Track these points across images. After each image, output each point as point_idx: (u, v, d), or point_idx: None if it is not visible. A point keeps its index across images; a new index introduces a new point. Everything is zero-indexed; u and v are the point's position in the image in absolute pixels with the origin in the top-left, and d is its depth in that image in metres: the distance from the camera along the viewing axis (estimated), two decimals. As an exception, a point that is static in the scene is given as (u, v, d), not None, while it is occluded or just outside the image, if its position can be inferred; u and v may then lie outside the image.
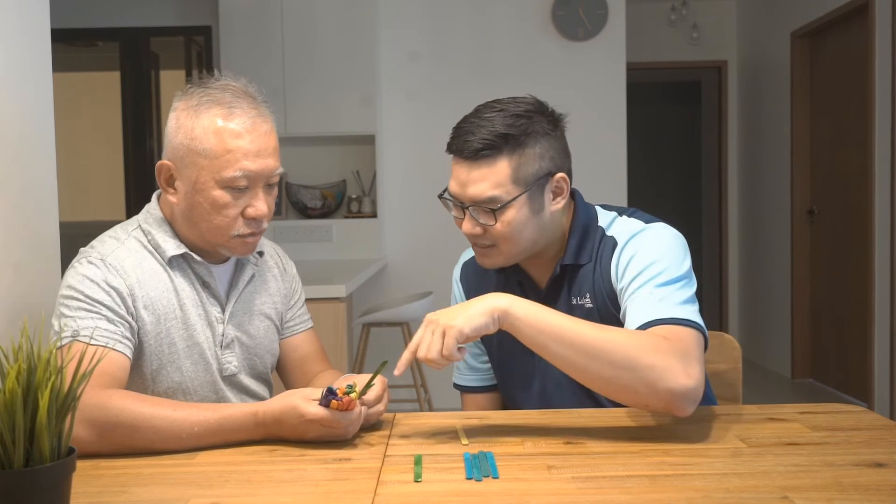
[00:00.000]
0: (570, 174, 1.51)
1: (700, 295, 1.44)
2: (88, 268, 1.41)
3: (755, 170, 5.99)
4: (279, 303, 1.62)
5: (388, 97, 4.77)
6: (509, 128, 1.42)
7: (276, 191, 1.48)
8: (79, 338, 1.34)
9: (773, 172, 5.61)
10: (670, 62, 6.31)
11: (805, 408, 1.46)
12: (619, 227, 1.52)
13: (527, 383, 1.59)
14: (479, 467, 1.16)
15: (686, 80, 6.96)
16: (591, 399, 1.53)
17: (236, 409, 1.30)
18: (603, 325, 1.32)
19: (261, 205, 1.43)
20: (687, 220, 5.99)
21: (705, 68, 6.43)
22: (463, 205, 1.47)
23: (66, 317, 1.37)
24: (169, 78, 5.45)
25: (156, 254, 1.47)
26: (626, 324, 1.38)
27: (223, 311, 1.52)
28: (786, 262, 5.44)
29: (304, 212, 4.70)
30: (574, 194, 1.56)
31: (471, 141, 1.43)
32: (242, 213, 1.43)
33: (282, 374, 1.67)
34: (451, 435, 1.34)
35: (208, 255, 1.50)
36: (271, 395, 1.57)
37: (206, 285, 1.50)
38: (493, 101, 1.48)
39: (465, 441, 1.29)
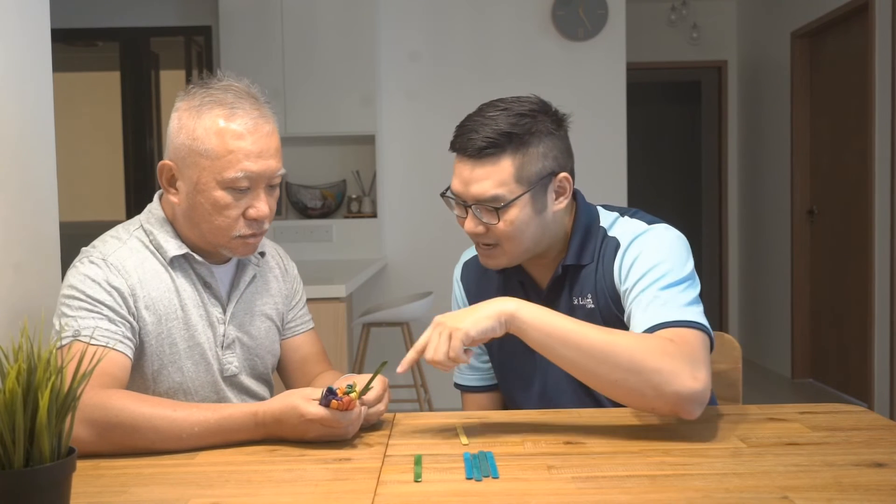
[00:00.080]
0: (573, 174, 1.51)
1: (700, 295, 1.45)
2: (90, 267, 1.41)
3: (755, 170, 5.99)
4: (280, 303, 1.62)
5: (388, 97, 4.77)
6: (513, 126, 1.42)
7: (277, 192, 1.48)
8: (80, 337, 1.34)
9: (773, 172, 5.61)
10: (670, 62, 6.31)
11: (805, 408, 1.46)
12: (621, 227, 1.52)
13: (527, 383, 1.59)
14: (479, 467, 1.16)
15: (686, 80, 6.96)
16: (591, 399, 1.53)
17: (236, 409, 1.30)
18: (609, 329, 1.33)
19: (262, 206, 1.43)
20: (687, 220, 5.99)
21: (705, 68, 6.43)
22: (466, 203, 1.47)
23: (68, 316, 1.37)
24: (169, 78, 5.45)
25: (157, 254, 1.47)
26: (632, 327, 1.38)
27: (224, 311, 1.51)
28: (786, 262, 5.44)
29: (304, 212, 4.70)
30: (576, 195, 1.56)
31: (475, 139, 1.43)
32: (244, 214, 1.43)
33: (282, 375, 1.67)
34: (451, 435, 1.34)
35: (210, 256, 1.50)
36: (272, 396, 1.57)
37: (207, 286, 1.50)
38: (497, 100, 1.48)
39: (465, 441, 1.29)
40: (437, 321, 1.32)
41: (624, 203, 4.65)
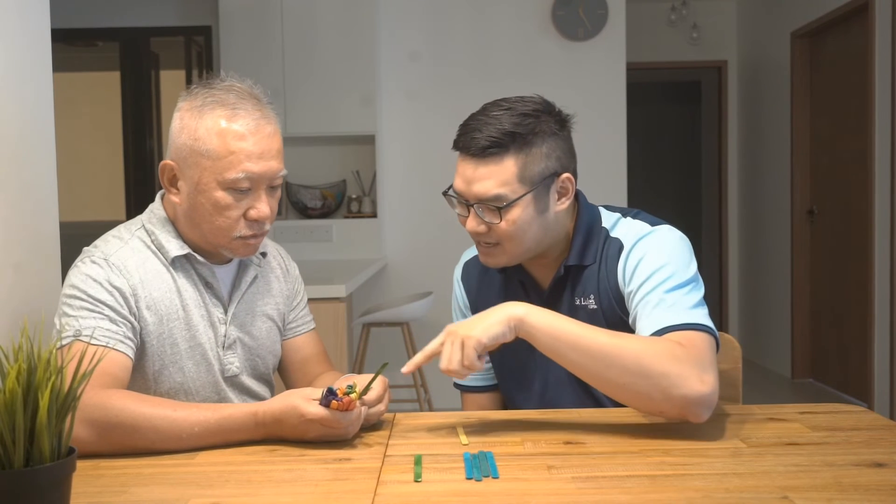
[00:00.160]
0: (575, 175, 1.51)
1: (703, 296, 1.45)
2: (92, 267, 1.41)
3: (755, 170, 5.99)
4: (281, 304, 1.62)
5: (388, 97, 4.77)
6: (517, 126, 1.42)
7: (279, 193, 1.48)
8: (80, 337, 1.34)
9: (773, 172, 5.61)
10: (670, 62, 6.31)
11: (805, 408, 1.46)
12: (624, 228, 1.52)
13: (527, 383, 1.59)
14: (479, 467, 1.16)
15: (686, 80, 6.96)
16: (591, 399, 1.53)
17: (236, 409, 1.30)
18: (618, 332, 1.33)
19: (263, 207, 1.43)
20: (687, 220, 5.99)
21: (705, 68, 6.43)
22: (468, 202, 1.47)
23: (69, 316, 1.37)
24: (169, 78, 5.45)
25: (159, 254, 1.47)
26: (639, 330, 1.39)
27: (226, 311, 1.51)
28: (786, 262, 5.44)
29: (304, 212, 4.70)
30: (578, 195, 1.56)
31: (478, 138, 1.43)
32: (244, 215, 1.42)
33: (283, 375, 1.67)
34: (451, 435, 1.34)
35: (211, 256, 1.50)
36: (273, 396, 1.57)
37: (208, 286, 1.50)
38: (501, 100, 1.48)
39: (465, 441, 1.29)
40: (449, 330, 1.33)
41: (624, 203, 4.65)
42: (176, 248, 1.47)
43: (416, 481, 1.12)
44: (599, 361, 1.29)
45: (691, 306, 1.37)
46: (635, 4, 5.57)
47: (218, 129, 1.38)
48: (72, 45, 5.33)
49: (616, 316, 1.48)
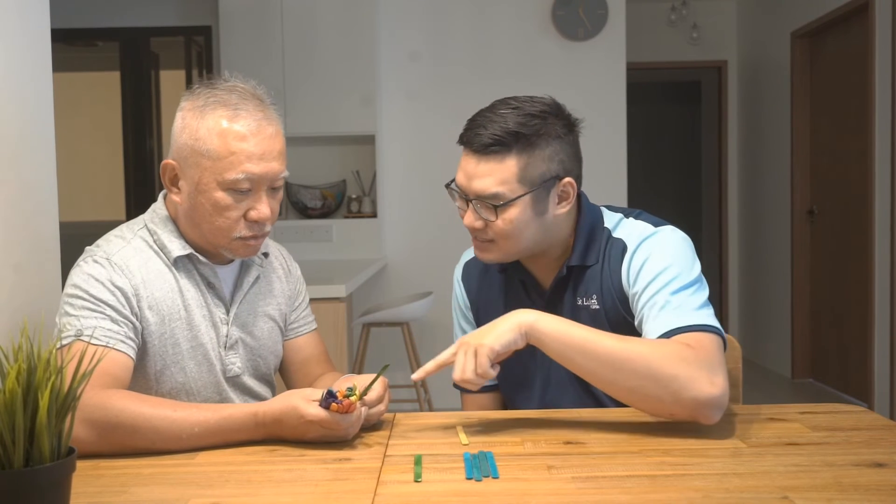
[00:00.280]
0: (579, 180, 1.50)
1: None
2: (94, 267, 1.41)
3: (755, 170, 5.99)
4: (283, 304, 1.62)
5: (388, 97, 4.77)
6: (521, 126, 1.42)
7: (280, 194, 1.47)
8: (82, 337, 1.34)
9: (773, 172, 5.61)
10: (670, 62, 6.31)
11: (805, 408, 1.46)
12: (626, 229, 1.52)
13: (527, 383, 1.59)
14: (479, 467, 1.16)
15: (686, 80, 6.96)
16: (591, 399, 1.53)
17: (236, 410, 1.30)
18: (627, 337, 1.34)
19: (263, 208, 1.42)
20: (687, 220, 5.99)
21: (705, 68, 6.43)
22: (467, 197, 1.47)
23: (70, 315, 1.37)
24: (169, 78, 5.45)
25: (161, 254, 1.47)
26: (646, 332, 1.39)
27: (228, 312, 1.51)
28: (786, 262, 5.44)
29: (304, 212, 4.70)
30: (580, 196, 1.56)
31: (482, 135, 1.43)
32: (244, 216, 1.42)
33: (284, 376, 1.66)
34: (451, 435, 1.34)
35: (213, 256, 1.50)
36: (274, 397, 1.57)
37: (210, 286, 1.50)
38: (511, 98, 1.47)
39: (465, 441, 1.30)
40: (462, 341, 1.34)
41: (624, 203, 4.65)
42: (178, 248, 1.47)
43: (416, 481, 1.12)
44: (609, 366, 1.29)
45: (697, 307, 1.38)
46: (635, 4, 5.57)
47: (219, 129, 1.38)
48: (72, 45, 5.33)
49: (619, 316, 1.48)
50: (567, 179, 1.47)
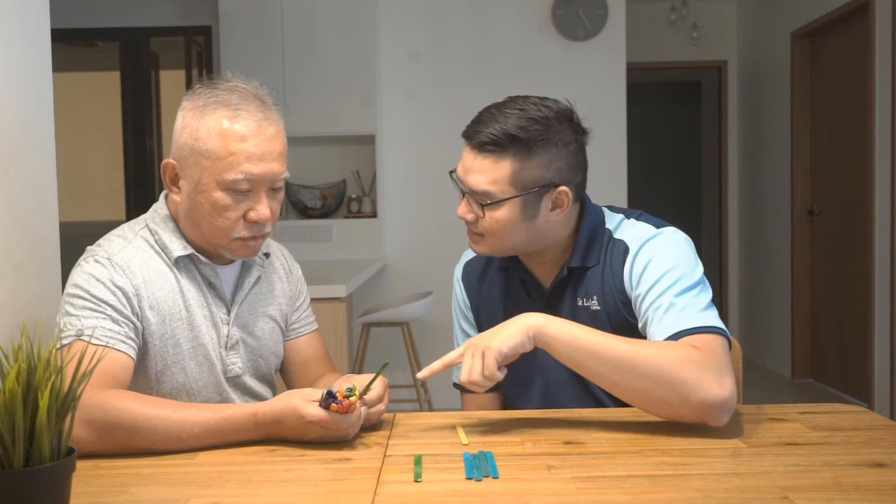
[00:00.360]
0: (578, 188, 1.49)
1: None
2: (95, 266, 1.41)
3: (755, 170, 5.99)
4: (284, 304, 1.62)
5: (388, 97, 4.77)
6: (521, 130, 1.42)
7: (281, 195, 1.47)
8: (82, 337, 1.34)
9: (773, 172, 5.61)
10: (670, 62, 6.31)
11: (805, 408, 1.46)
12: (628, 230, 1.52)
13: (527, 383, 1.59)
14: (479, 467, 1.16)
15: (686, 80, 6.96)
16: (591, 398, 1.53)
17: (236, 410, 1.30)
18: (635, 339, 1.34)
19: (263, 209, 1.42)
20: (687, 220, 5.99)
21: (705, 68, 6.43)
22: (462, 188, 1.48)
23: (71, 315, 1.37)
24: (169, 78, 5.45)
25: (162, 254, 1.47)
26: (652, 335, 1.39)
27: (228, 312, 1.51)
28: (786, 262, 5.44)
29: (304, 212, 4.70)
30: (584, 197, 1.56)
31: (481, 132, 1.44)
32: (244, 217, 1.42)
33: (285, 376, 1.66)
34: (451, 435, 1.34)
35: (214, 257, 1.50)
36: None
37: (211, 286, 1.50)
38: (522, 98, 1.46)
39: (465, 441, 1.30)
40: (469, 342, 1.35)
41: (624, 203, 4.65)
42: (179, 248, 1.46)
43: (416, 481, 1.12)
44: (617, 369, 1.30)
45: (702, 309, 1.38)
46: (635, 4, 5.57)
47: (219, 129, 1.38)
48: (72, 45, 5.33)
49: (621, 317, 1.48)
50: (562, 188, 1.46)
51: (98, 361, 1.09)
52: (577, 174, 1.49)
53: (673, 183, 7.88)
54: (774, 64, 5.57)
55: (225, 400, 1.50)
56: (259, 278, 1.57)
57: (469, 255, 1.70)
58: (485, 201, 1.45)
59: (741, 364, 1.76)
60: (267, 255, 1.60)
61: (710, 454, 1.21)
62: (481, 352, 1.31)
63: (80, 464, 1.06)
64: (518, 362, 1.59)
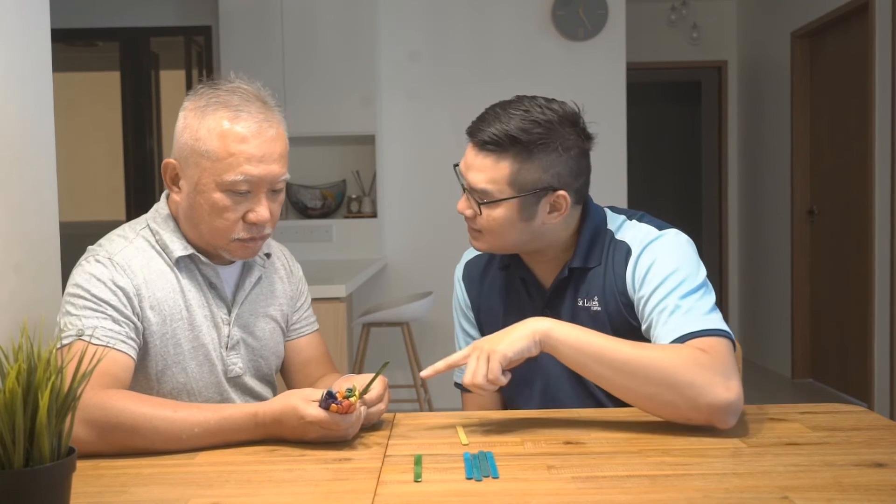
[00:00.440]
0: (578, 193, 1.49)
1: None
2: (96, 266, 1.41)
3: (755, 170, 5.99)
4: (285, 305, 1.61)
5: (388, 97, 4.77)
6: (522, 133, 1.42)
7: (281, 196, 1.47)
8: (83, 337, 1.34)
9: (773, 172, 5.61)
10: (670, 62, 6.31)
11: (805, 408, 1.46)
12: (630, 232, 1.52)
13: (528, 382, 1.59)
14: (479, 467, 1.16)
15: (686, 80, 6.97)
16: (591, 399, 1.53)
17: (236, 410, 1.30)
18: (641, 343, 1.34)
19: (262, 210, 1.42)
20: (687, 220, 5.99)
21: (705, 68, 6.43)
22: (463, 184, 1.49)
23: (72, 315, 1.37)
24: (169, 78, 5.45)
25: (163, 254, 1.47)
26: (657, 338, 1.39)
27: (229, 312, 1.51)
28: (786, 262, 5.44)
29: (304, 212, 4.70)
30: (586, 198, 1.55)
31: (483, 130, 1.44)
32: (243, 218, 1.42)
33: (285, 377, 1.66)
34: (451, 435, 1.34)
35: (215, 257, 1.50)
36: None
37: (212, 286, 1.50)
38: (530, 98, 1.46)
39: (465, 441, 1.29)
40: (475, 345, 1.34)
41: (624, 204, 4.65)
42: (180, 248, 1.46)
43: (416, 481, 1.12)
44: (625, 373, 1.29)
45: (707, 311, 1.38)
46: (635, 4, 5.57)
47: (219, 130, 1.38)
48: (72, 45, 5.33)
49: (622, 319, 1.48)
50: (560, 193, 1.46)
51: (98, 361, 1.09)
52: (578, 179, 1.48)
53: (673, 183, 7.88)
54: (774, 64, 5.57)
55: (225, 400, 1.50)
56: (260, 278, 1.57)
57: (470, 254, 1.70)
58: (482, 199, 1.45)
59: (741, 364, 1.77)
60: (268, 255, 1.60)
61: (710, 454, 1.21)
62: (486, 355, 1.31)
63: (80, 464, 1.06)
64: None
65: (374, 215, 4.68)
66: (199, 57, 5.22)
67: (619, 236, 1.52)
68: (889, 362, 4.33)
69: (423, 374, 1.35)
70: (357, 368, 3.89)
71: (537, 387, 1.58)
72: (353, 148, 4.78)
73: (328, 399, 1.24)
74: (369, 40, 4.58)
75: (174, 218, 1.49)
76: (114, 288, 1.39)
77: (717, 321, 1.37)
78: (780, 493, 1.05)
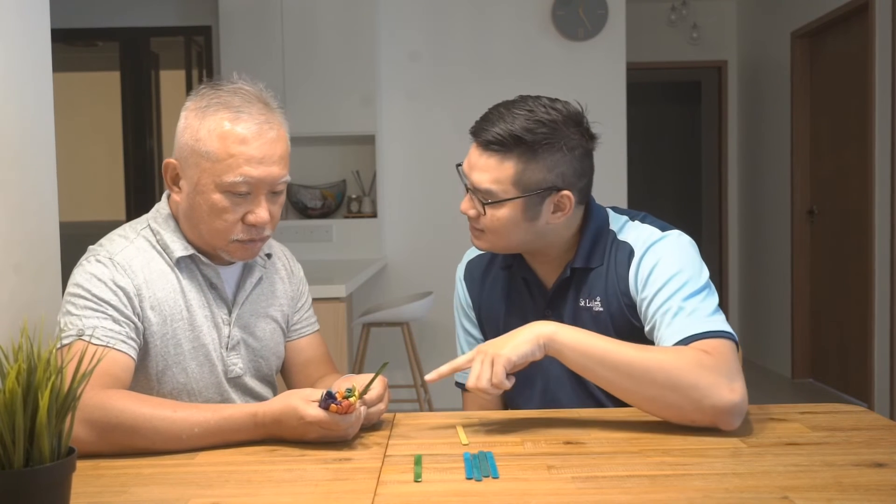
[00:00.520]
0: (582, 193, 1.49)
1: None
2: (96, 266, 1.41)
3: (755, 170, 5.99)
4: (286, 305, 1.61)
5: (388, 97, 4.77)
6: (526, 133, 1.41)
7: (282, 198, 1.47)
8: (83, 336, 1.34)
9: (773, 172, 5.61)
10: (670, 62, 6.31)
11: (805, 408, 1.46)
12: (632, 233, 1.52)
13: (528, 382, 1.59)
14: (479, 467, 1.16)
15: (686, 80, 6.97)
16: (591, 399, 1.53)
17: (236, 410, 1.30)
18: (645, 346, 1.34)
19: (262, 212, 1.42)
20: (687, 220, 5.99)
21: (705, 68, 6.43)
22: (466, 184, 1.49)
23: (72, 315, 1.37)
24: (169, 78, 5.45)
25: (164, 254, 1.47)
26: (661, 339, 1.39)
27: (230, 313, 1.51)
28: (786, 262, 5.44)
29: (304, 212, 4.70)
30: (589, 199, 1.55)
31: (487, 130, 1.44)
32: (242, 219, 1.42)
33: (285, 377, 1.66)
34: (451, 435, 1.34)
35: (215, 257, 1.50)
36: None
37: (213, 287, 1.50)
38: (534, 98, 1.46)
39: (465, 441, 1.30)
40: (479, 349, 1.34)
41: (624, 204, 4.65)
42: (180, 248, 1.46)
43: (416, 481, 1.12)
44: (629, 376, 1.29)
45: (710, 313, 1.38)
46: (635, 4, 5.57)
47: (220, 131, 1.38)
48: (72, 45, 5.33)
49: (624, 319, 1.48)
50: (565, 192, 1.46)
51: (98, 361, 1.09)
52: (582, 179, 1.48)
53: (673, 183, 7.88)
54: (774, 64, 5.57)
55: (225, 400, 1.50)
56: (261, 279, 1.57)
57: (471, 253, 1.70)
58: (487, 200, 1.45)
59: (741, 364, 1.76)
60: (269, 255, 1.60)
61: (710, 454, 1.21)
62: (491, 359, 1.31)
63: (80, 464, 1.06)
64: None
65: (374, 215, 4.68)
66: (199, 57, 5.22)
67: (621, 237, 1.52)
68: (889, 362, 4.33)
69: (428, 378, 1.34)
70: (357, 368, 3.89)
71: (537, 387, 1.58)
72: (353, 148, 4.78)
73: (328, 399, 1.24)
74: (369, 40, 4.58)
75: (175, 218, 1.49)
76: (114, 288, 1.39)
77: (720, 323, 1.37)
78: (780, 493, 1.05)
